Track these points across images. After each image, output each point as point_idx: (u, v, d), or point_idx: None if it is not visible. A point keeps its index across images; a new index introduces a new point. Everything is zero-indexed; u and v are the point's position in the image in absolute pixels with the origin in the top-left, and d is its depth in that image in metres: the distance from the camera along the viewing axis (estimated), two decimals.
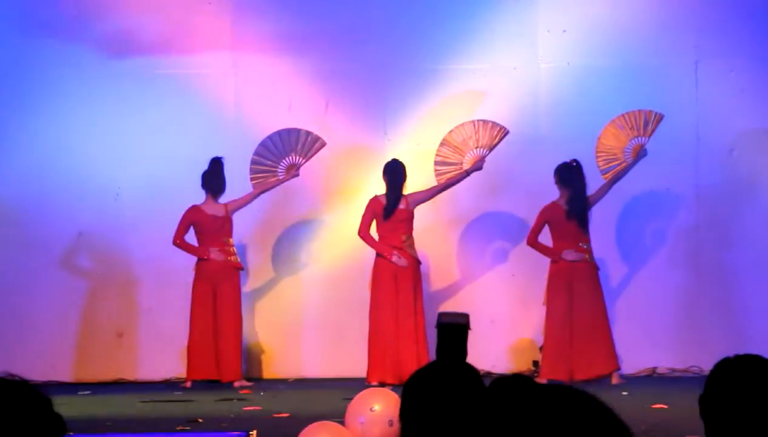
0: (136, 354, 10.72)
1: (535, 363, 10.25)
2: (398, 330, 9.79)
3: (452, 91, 10.75)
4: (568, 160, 9.99)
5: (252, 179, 10.16)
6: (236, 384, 9.91)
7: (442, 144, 10.18)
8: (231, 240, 10.16)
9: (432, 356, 9.89)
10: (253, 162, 10.16)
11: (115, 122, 10.65)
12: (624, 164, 10.04)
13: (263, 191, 10.19)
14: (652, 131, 9.99)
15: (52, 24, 10.76)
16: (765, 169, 10.56)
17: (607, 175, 10.04)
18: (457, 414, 2.91)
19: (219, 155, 10.14)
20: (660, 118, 9.99)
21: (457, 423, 2.91)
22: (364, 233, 9.98)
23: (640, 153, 10.02)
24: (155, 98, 10.72)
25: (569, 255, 9.89)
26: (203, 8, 10.83)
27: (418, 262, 10.05)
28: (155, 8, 10.77)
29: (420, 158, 10.41)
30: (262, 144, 10.18)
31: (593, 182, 9.99)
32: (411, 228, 10.07)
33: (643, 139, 10.00)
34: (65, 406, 3.02)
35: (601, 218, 10.19)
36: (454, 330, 4.79)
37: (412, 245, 10.04)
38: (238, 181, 10.14)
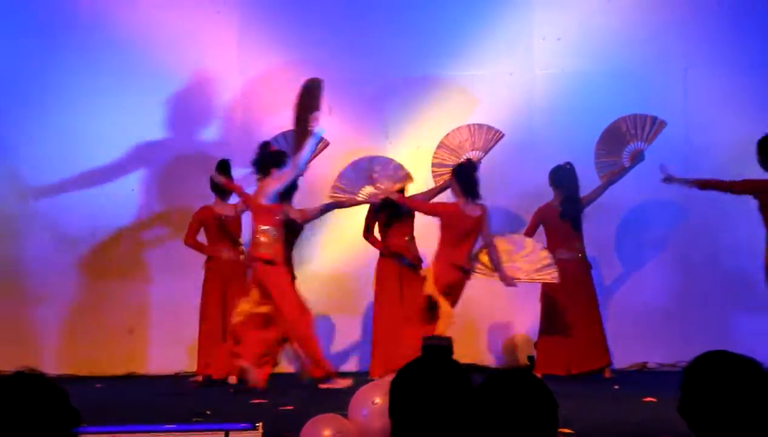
0: (146, 349, 10.73)
1: (531, 358, 10.25)
2: (402, 327, 9.80)
3: (450, 97, 10.77)
4: (562, 163, 10.00)
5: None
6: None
7: (439, 147, 10.19)
8: (240, 240, 10.16)
9: None
10: None
11: (127, 124, 10.67)
12: (621, 168, 10.03)
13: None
14: (653, 137, 9.95)
15: (69, 32, 10.79)
16: (752, 173, 10.54)
17: (603, 176, 10.04)
18: (444, 408, 2.91)
19: (225, 158, 10.13)
20: (663, 125, 9.94)
21: (444, 417, 2.91)
22: (368, 234, 9.97)
23: (638, 158, 9.98)
24: (165, 101, 10.73)
25: (563, 254, 9.89)
26: (212, 16, 10.85)
27: (420, 261, 10.07)
28: (165, 16, 10.78)
29: (420, 160, 10.43)
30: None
31: (588, 184, 9.99)
32: (412, 228, 10.11)
33: (642, 144, 9.97)
34: (79, 399, 3.03)
35: (595, 220, 10.19)
36: (438, 351, 4.82)
37: (414, 244, 10.07)
38: (244, 182, 10.14)
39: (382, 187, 9.86)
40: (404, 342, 9.76)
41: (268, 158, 9.40)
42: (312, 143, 9.39)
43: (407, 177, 9.92)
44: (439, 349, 4.73)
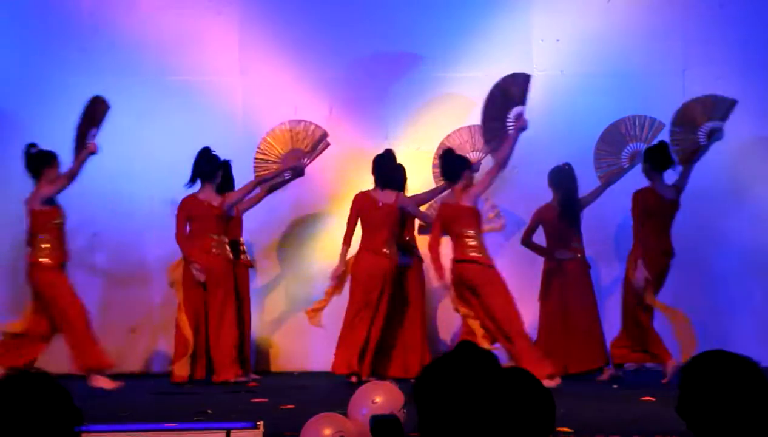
0: (148, 349, 10.74)
1: None
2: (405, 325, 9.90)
3: (450, 98, 10.78)
4: (561, 163, 10.01)
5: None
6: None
7: (439, 148, 10.18)
8: (242, 239, 10.17)
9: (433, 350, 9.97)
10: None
11: (128, 127, 10.66)
12: (620, 169, 10.03)
13: (264, 181, 10.09)
14: (652, 139, 9.94)
15: (71, 35, 10.79)
16: (749, 173, 10.57)
17: (602, 177, 10.04)
18: (474, 399, 2.88)
19: (226, 159, 10.11)
20: (662, 126, 9.93)
21: (474, 409, 2.88)
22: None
23: (637, 159, 9.96)
24: (166, 104, 10.74)
25: (562, 254, 9.91)
26: (213, 18, 10.86)
27: (421, 260, 10.12)
28: (166, 18, 10.79)
29: (420, 161, 10.45)
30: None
31: (587, 184, 10.00)
32: (413, 228, 10.15)
33: (642, 145, 9.95)
34: (81, 397, 3.04)
35: (593, 220, 10.20)
36: (387, 424, 4.70)
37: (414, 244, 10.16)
38: (244, 183, 10.14)
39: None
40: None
41: (455, 163, 9.46)
42: (514, 139, 9.47)
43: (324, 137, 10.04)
44: (387, 425, 4.59)
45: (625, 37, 10.68)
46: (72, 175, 9.43)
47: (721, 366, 3.21)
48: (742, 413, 3.15)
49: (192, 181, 9.78)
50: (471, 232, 9.27)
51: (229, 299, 9.72)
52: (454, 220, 9.29)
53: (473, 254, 9.25)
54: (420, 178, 10.31)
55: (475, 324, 9.16)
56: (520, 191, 10.59)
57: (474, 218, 9.31)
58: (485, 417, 2.85)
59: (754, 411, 3.17)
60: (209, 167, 9.77)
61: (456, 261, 9.29)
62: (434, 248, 9.32)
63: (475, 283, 9.21)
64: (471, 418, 2.86)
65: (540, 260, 10.07)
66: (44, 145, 10.63)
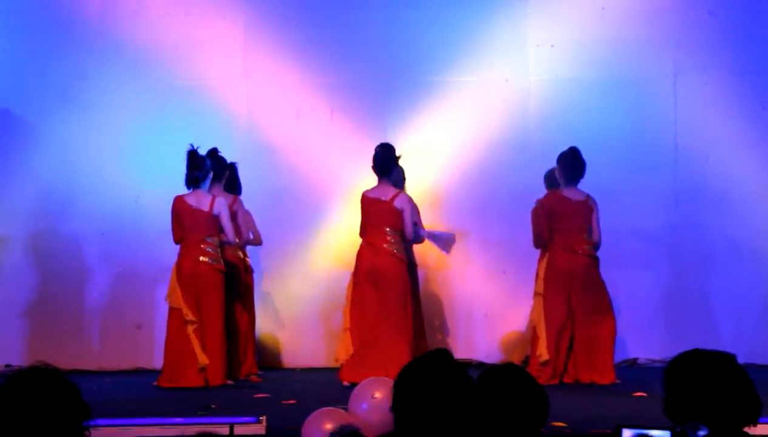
0: (153, 345, 10.73)
1: (527, 356, 10.25)
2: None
3: (448, 101, 10.77)
4: (555, 166, 9.95)
5: None
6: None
7: None
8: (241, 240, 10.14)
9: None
10: None
11: (134, 129, 10.66)
12: None
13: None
14: None
15: (78, 39, 10.78)
16: (738, 174, 10.57)
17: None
18: (446, 403, 2.91)
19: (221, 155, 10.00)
20: None
21: (445, 413, 2.91)
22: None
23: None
24: (171, 107, 10.73)
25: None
26: (217, 23, 10.85)
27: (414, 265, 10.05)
28: (172, 23, 10.79)
29: (418, 162, 10.45)
30: None
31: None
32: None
33: None
34: (88, 393, 3.03)
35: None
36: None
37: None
38: (249, 184, 10.14)
39: None
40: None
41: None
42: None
43: None
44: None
45: (619, 43, 10.67)
46: None
47: (701, 364, 3.21)
48: (725, 407, 3.15)
49: (188, 184, 9.54)
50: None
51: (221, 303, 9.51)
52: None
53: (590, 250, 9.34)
54: (419, 179, 10.29)
55: None
56: (515, 194, 10.57)
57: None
58: (478, 411, 2.86)
59: (735, 404, 3.18)
60: (192, 167, 9.55)
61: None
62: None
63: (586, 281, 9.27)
64: (452, 416, 2.88)
65: (533, 261, 10.01)
66: (51, 148, 10.65)
